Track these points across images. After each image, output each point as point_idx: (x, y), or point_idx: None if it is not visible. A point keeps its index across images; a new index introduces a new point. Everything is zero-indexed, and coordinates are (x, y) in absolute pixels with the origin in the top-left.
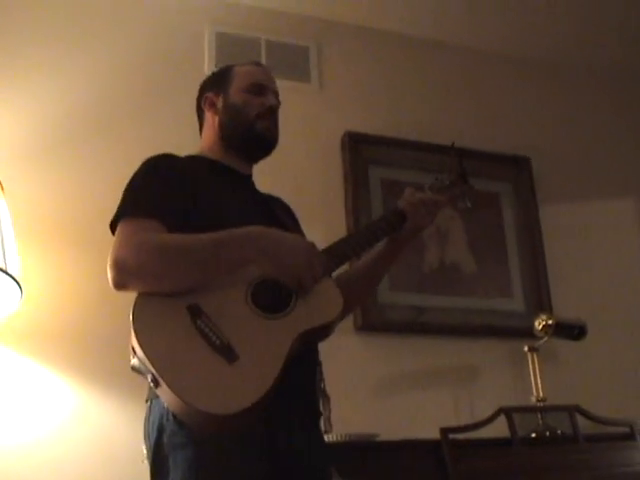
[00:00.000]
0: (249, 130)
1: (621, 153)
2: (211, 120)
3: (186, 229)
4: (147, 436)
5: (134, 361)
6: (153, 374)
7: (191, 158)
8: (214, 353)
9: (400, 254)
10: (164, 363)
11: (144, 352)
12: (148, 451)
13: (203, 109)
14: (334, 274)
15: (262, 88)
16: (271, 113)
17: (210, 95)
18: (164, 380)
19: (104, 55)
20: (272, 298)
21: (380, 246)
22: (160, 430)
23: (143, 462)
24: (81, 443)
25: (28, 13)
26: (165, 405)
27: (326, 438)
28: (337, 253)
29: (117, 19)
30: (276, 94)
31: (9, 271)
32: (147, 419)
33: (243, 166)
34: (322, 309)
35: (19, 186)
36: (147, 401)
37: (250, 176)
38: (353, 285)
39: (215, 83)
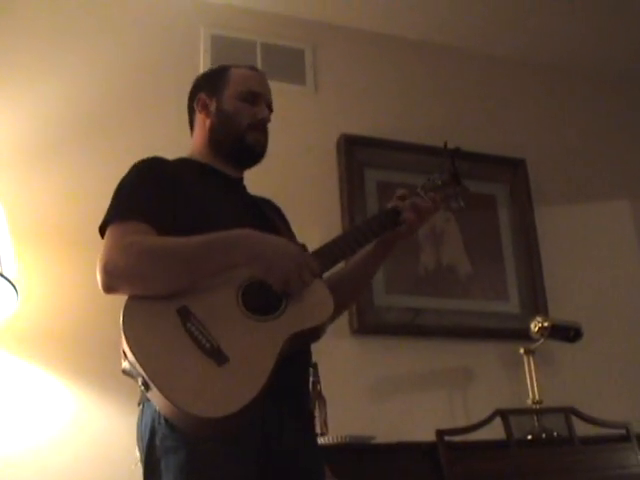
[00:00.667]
0: (239, 140)
1: (617, 155)
2: (202, 122)
3: (176, 232)
4: (140, 439)
5: (125, 364)
6: (144, 378)
7: (181, 161)
8: (204, 356)
9: (390, 253)
10: (154, 367)
11: (134, 356)
12: (141, 454)
13: (195, 109)
14: (325, 275)
15: (256, 97)
16: (262, 125)
17: (203, 96)
18: (154, 384)
19: (100, 58)
20: (262, 300)
21: (370, 245)
22: (152, 433)
23: (136, 465)
24: (80, 446)
25: (26, 15)
26: (157, 408)
27: (322, 440)
28: (328, 255)
29: (113, 22)
30: (269, 104)
31: (5, 274)
32: (139, 423)
33: (233, 170)
34: (313, 311)
35: (15, 188)
36: (139, 404)
37: (241, 179)
38: (344, 285)
39: (209, 84)
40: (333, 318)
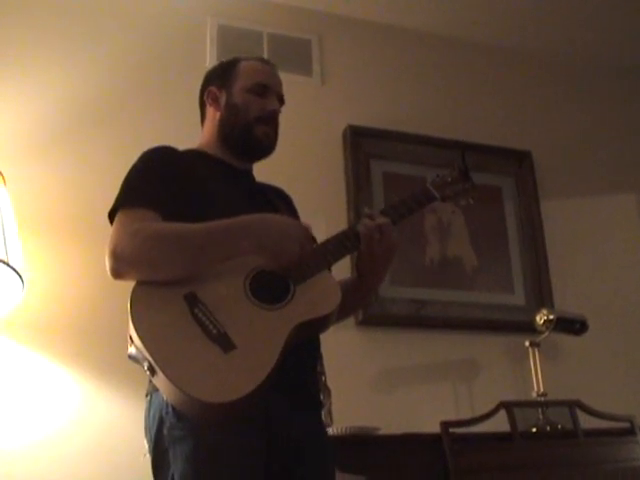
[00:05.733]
0: (247, 132)
1: (623, 147)
2: (212, 115)
3: (182, 220)
4: (147, 430)
5: (131, 349)
6: (149, 362)
7: (190, 152)
8: (210, 342)
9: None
10: (160, 351)
11: (141, 340)
12: (149, 445)
13: (205, 102)
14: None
15: (266, 89)
16: (272, 118)
17: (213, 89)
18: (160, 368)
19: (107, 47)
20: (270, 288)
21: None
22: (160, 423)
23: (145, 456)
24: (86, 436)
25: (31, 6)
26: (164, 397)
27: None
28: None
29: (119, 12)
30: (280, 96)
31: (11, 263)
32: (147, 413)
33: (241, 163)
34: (319, 301)
35: (22, 178)
36: (147, 395)
37: (249, 171)
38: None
39: (219, 77)
40: (337, 320)
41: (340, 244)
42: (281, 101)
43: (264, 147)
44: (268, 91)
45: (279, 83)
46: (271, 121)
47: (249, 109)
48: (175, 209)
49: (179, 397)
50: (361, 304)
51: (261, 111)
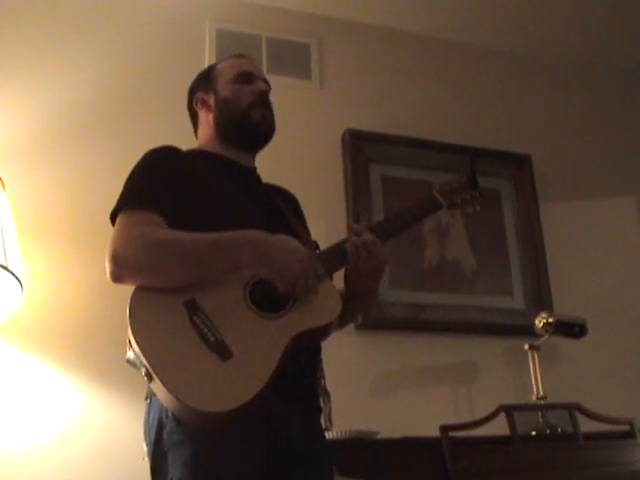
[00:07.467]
0: (244, 120)
1: (622, 150)
2: (205, 118)
3: (187, 223)
4: (147, 433)
5: (129, 354)
6: (147, 368)
7: (193, 152)
8: (208, 350)
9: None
10: (158, 358)
11: (139, 346)
12: (148, 448)
13: (196, 111)
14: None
15: (249, 76)
16: (263, 99)
17: (200, 95)
18: (157, 376)
19: (106, 51)
20: (270, 297)
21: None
22: (160, 427)
23: (143, 459)
24: (85, 440)
25: (33, 9)
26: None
27: (326, 435)
28: (332, 259)
29: (118, 16)
30: (264, 80)
31: (10, 268)
32: (146, 417)
33: (244, 158)
34: (320, 311)
35: (21, 182)
36: (146, 399)
37: (253, 168)
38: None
39: (202, 82)
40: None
41: (328, 261)
42: (266, 84)
43: (264, 130)
44: (252, 77)
45: (260, 69)
46: (264, 102)
47: (240, 97)
48: (177, 209)
49: (175, 405)
50: (356, 315)
51: (252, 95)
